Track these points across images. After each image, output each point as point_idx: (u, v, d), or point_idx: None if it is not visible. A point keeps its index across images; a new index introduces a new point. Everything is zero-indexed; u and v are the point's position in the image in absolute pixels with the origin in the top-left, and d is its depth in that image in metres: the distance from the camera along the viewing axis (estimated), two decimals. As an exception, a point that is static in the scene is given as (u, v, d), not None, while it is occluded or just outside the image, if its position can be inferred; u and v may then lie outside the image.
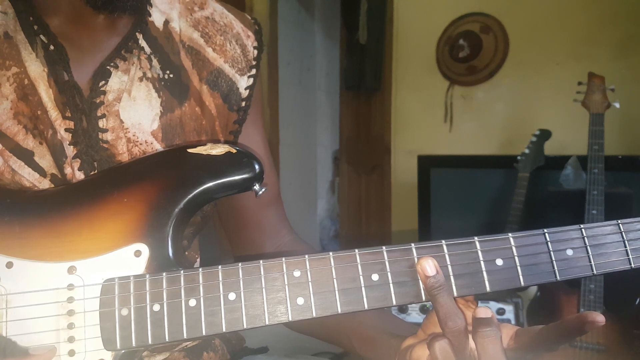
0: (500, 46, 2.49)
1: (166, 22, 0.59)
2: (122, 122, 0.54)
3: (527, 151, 1.77)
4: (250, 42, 0.64)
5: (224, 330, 0.42)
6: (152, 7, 0.58)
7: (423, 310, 1.57)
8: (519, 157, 1.78)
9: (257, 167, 0.49)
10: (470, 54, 2.53)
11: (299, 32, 3.19)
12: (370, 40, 2.78)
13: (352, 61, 2.92)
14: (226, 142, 0.63)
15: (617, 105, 1.55)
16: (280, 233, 0.69)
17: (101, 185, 0.49)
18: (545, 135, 1.79)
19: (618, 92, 1.57)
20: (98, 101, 0.53)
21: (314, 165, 3.50)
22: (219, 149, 0.49)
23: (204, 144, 0.50)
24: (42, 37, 0.52)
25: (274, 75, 2.74)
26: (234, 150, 0.50)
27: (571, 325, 0.41)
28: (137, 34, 0.56)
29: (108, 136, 0.53)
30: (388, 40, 2.76)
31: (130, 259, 0.45)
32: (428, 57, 2.65)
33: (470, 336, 0.43)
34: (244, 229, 0.69)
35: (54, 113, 0.51)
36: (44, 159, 0.51)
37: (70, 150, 0.51)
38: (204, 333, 0.42)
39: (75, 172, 0.52)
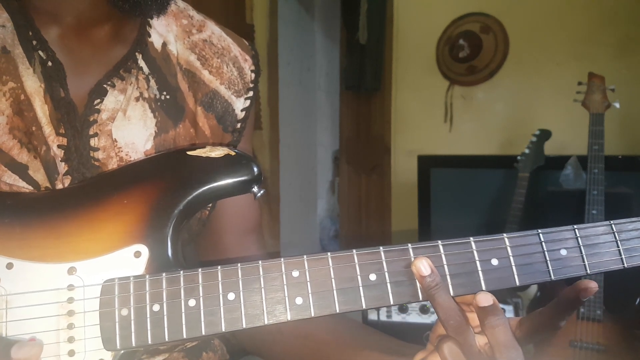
0: (500, 46, 2.49)
1: (164, 45, 0.60)
2: (114, 141, 0.54)
3: (527, 151, 1.77)
4: (247, 65, 0.65)
5: (223, 330, 0.43)
6: (151, 27, 0.59)
7: (423, 310, 1.57)
8: (519, 157, 1.78)
9: (255, 169, 0.49)
10: (470, 54, 2.53)
11: (299, 32, 3.19)
12: (370, 40, 2.78)
13: (352, 61, 2.92)
14: (225, 144, 0.63)
15: (617, 105, 1.55)
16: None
17: (101, 187, 0.49)
18: (545, 135, 1.79)
19: (618, 92, 1.57)
20: (91, 119, 0.53)
21: (314, 165, 3.50)
22: (218, 152, 0.50)
23: (203, 147, 0.51)
24: (40, 52, 0.51)
25: (274, 75, 2.73)
26: (232, 153, 0.50)
27: (568, 298, 0.41)
28: (137, 53, 0.57)
29: (99, 155, 0.53)
30: (388, 40, 2.76)
31: (130, 259, 0.45)
32: (428, 57, 2.65)
33: (474, 332, 0.43)
34: (218, 254, 0.66)
35: (48, 129, 0.51)
36: (38, 173, 0.51)
37: (62, 167, 0.51)
38: (203, 333, 0.43)
39: None
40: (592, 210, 1.48)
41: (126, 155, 0.54)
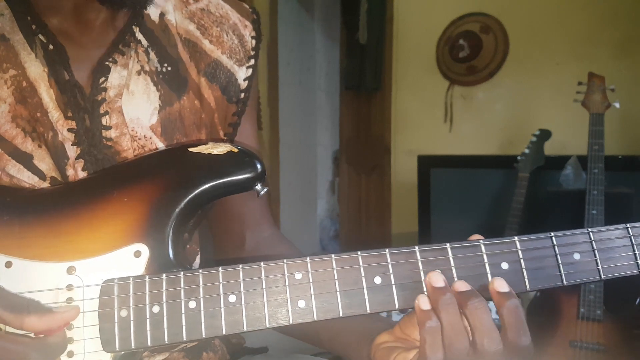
0: (500, 46, 2.49)
1: (162, 15, 0.59)
2: (125, 117, 0.53)
3: (527, 151, 1.77)
4: (247, 32, 0.63)
5: (224, 332, 0.42)
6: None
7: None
8: (519, 157, 1.77)
9: (259, 166, 0.48)
10: (470, 54, 2.53)
11: (299, 32, 3.18)
12: (370, 40, 2.77)
13: (352, 61, 2.92)
14: (227, 140, 0.62)
15: (617, 105, 1.54)
16: (261, 227, 0.69)
17: (101, 185, 0.49)
18: (545, 135, 1.79)
19: (618, 92, 1.57)
20: (100, 98, 0.52)
21: (314, 165, 3.50)
22: (220, 148, 0.49)
23: (205, 143, 0.50)
24: (41, 36, 0.51)
25: (274, 75, 2.73)
26: (235, 150, 0.49)
27: None
28: (133, 27, 0.56)
29: (112, 133, 0.53)
30: (388, 40, 2.75)
31: (130, 259, 0.45)
32: (428, 57, 2.65)
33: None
34: (225, 219, 0.68)
35: (55, 114, 0.51)
36: (43, 162, 0.50)
37: (72, 151, 0.51)
38: (203, 335, 0.42)
39: (78, 173, 0.51)
40: (592, 210, 1.48)
41: (132, 130, 0.54)
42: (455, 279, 0.43)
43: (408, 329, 0.46)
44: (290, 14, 3.05)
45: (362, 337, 0.50)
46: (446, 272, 0.43)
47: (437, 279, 0.41)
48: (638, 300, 1.48)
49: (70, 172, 0.51)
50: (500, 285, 0.41)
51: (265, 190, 0.48)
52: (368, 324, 0.52)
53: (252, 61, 0.63)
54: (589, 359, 1.49)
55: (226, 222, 0.68)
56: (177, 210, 0.46)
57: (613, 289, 1.47)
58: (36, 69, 0.51)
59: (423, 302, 0.41)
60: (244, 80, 0.63)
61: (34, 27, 0.51)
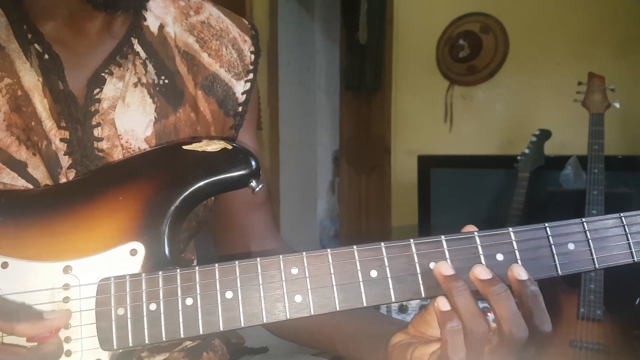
0: (500, 46, 2.49)
1: (161, 27, 0.58)
2: (117, 129, 0.53)
3: (527, 151, 1.77)
4: (247, 46, 0.64)
5: (221, 329, 0.42)
6: (147, 11, 0.58)
7: (423, 310, 1.56)
8: (519, 157, 1.77)
9: (253, 163, 0.48)
10: (470, 54, 2.53)
11: (299, 32, 3.18)
12: (370, 40, 2.77)
13: (352, 61, 2.92)
14: (222, 138, 0.62)
15: (617, 105, 1.54)
16: (265, 239, 0.68)
17: (96, 184, 0.49)
18: (545, 135, 1.79)
19: (618, 92, 1.57)
20: (93, 109, 0.52)
21: (314, 165, 3.49)
22: (214, 146, 0.49)
23: (199, 141, 0.50)
24: (36, 45, 0.51)
25: (274, 75, 2.73)
26: (229, 147, 0.49)
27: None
28: (132, 38, 0.56)
29: (104, 145, 0.53)
30: (388, 40, 2.75)
31: (126, 258, 0.45)
32: (428, 57, 2.65)
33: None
34: (228, 230, 0.68)
35: (48, 123, 0.51)
36: (38, 170, 0.50)
37: (65, 161, 0.51)
38: (201, 332, 0.42)
39: None
40: (592, 210, 1.48)
41: (126, 142, 0.54)
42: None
43: (422, 327, 0.46)
44: (290, 14, 3.05)
45: (378, 340, 0.50)
46: None
47: (446, 268, 0.41)
48: (638, 300, 1.48)
49: (63, 180, 0.51)
50: (519, 273, 0.41)
51: (260, 187, 0.48)
52: (383, 326, 0.52)
53: (251, 75, 0.63)
54: (589, 359, 1.48)
55: (229, 233, 0.68)
56: (172, 208, 0.46)
57: (613, 289, 1.47)
58: (31, 78, 0.50)
59: (442, 304, 0.41)
60: (242, 94, 0.63)
61: (29, 35, 0.51)
